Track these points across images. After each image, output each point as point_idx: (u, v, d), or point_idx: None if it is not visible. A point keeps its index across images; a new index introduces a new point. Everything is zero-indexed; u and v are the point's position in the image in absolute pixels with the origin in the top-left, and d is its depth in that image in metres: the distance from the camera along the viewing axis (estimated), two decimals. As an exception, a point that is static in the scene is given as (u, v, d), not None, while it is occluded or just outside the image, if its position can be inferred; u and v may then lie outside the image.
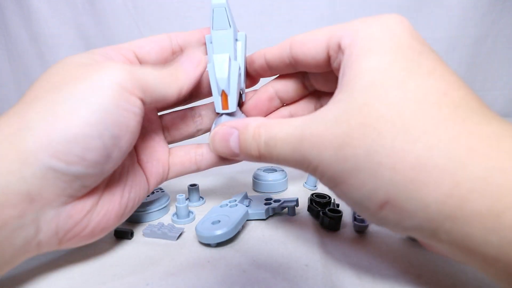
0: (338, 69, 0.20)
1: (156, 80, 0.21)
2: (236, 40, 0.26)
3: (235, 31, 0.26)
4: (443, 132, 0.15)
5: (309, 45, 0.22)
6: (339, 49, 0.20)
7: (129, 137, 0.20)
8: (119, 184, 0.23)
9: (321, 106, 0.21)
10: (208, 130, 0.30)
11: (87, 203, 0.20)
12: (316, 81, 0.26)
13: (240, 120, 0.23)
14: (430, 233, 0.16)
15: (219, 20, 0.25)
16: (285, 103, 0.28)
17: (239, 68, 0.26)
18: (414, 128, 0.15)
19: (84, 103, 0.18)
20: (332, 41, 0.20)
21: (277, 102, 0.28)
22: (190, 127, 0.30)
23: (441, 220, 0.15)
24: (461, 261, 0.16)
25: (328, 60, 0.21)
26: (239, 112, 0.28)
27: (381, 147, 0.16)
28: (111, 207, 0.22)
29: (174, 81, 0.22)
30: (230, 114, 0.27)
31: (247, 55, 0.27)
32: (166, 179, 0.27)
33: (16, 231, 0.17)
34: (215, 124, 0.27)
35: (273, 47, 0.25)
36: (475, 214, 0.14)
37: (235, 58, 0.26)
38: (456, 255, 0.16)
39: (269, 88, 0.27)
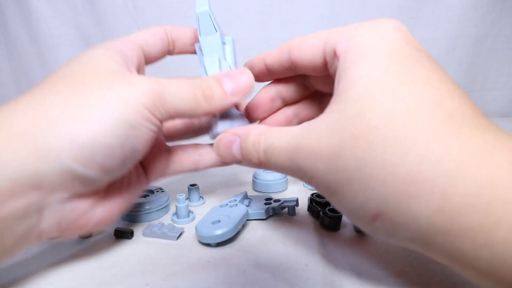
0: (335, 75, 0.20)
1: (184, 100, 0.21)
2: (224, 43, 0.27)
3: (222, 35, 0.27)
4: (435, 144, 0.15)
5: (306, 50, 0.22)
6: (335, 55, 0.19)
7: (145, 150, 0.21)
8: (123, 180, 0.24)
9: (324, 105, 0.20)
10: (206, 132, 0.31)
11: (92, 198, 0.21)
12: (316, 82, 0.26)
13: (242, 128, 0.23)
14: (423, 245, 0.16)
15: (205, 26, 0.26)
16: (287, 103, 0.28)
17: (230, 68, 0.26)
18: (405, 140, 0.15)
19: (111, 115, 0.18)
20: (328, 46, 0.20)
21: (278, 103, 0.28)
22: (188, 128, 0.30)
23: (433, 234, 0.15)
24: (456, 270, 0.16)
25: (326, 64, 0.21)
26: (235, 111, 0.28)
27: (371, 159, 0.15)
28: (114, 201, 0.23)
29: (206, 103, 0.22)
30: (227, 114, 0.27)
31: (246, 60, 0.27)
32: (165, 175, 0.28)
33: (19, 220, 0.18)
34: (213, 126, 0.27)
35: (272, 51, 0.24)
36: (466, 229, 0.14)
37: (225, 59, 0.27)
38: (451, 266, 0.16)
39: (271, 89, 0.27)
